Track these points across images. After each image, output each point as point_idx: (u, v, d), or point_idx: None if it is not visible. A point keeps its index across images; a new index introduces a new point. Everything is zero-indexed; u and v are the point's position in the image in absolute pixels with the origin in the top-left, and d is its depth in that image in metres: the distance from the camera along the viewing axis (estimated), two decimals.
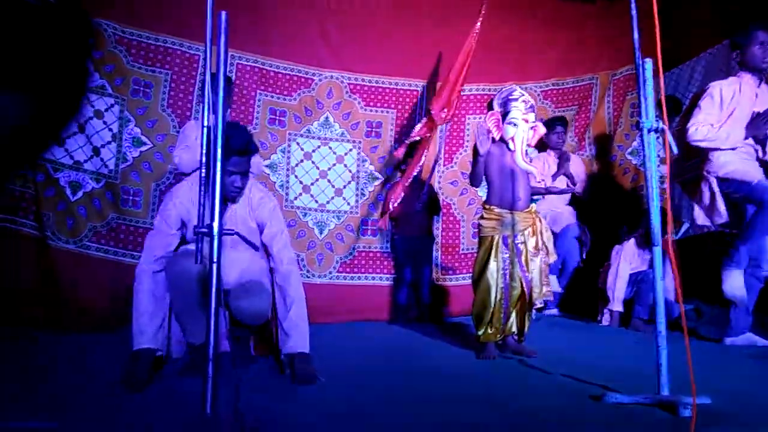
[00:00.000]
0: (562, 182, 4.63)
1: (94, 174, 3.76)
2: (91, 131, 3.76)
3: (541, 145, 4.60)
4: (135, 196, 3.86)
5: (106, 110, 3.82)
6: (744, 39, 3.30)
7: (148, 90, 3.94)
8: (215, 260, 1.64)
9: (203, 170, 1.69)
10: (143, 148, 3.91)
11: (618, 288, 4.05)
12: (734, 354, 3.15)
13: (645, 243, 3.98)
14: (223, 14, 1.66)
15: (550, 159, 4.68)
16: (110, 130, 3.82)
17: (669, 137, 1.80)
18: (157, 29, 3.94)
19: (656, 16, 1.63)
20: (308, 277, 4.18)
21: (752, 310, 3.32)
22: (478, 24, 4.06)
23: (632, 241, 4.18)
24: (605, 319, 4.14)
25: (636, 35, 1.73)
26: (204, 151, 1.76)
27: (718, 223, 3.44)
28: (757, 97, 3.33)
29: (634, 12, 1.73)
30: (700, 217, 3.49)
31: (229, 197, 2.61)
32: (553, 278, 4.30)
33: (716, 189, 3.35)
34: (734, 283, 3.24)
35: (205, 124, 1.71)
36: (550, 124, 4.56)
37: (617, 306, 4.08)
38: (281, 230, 2.75)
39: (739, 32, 3.36)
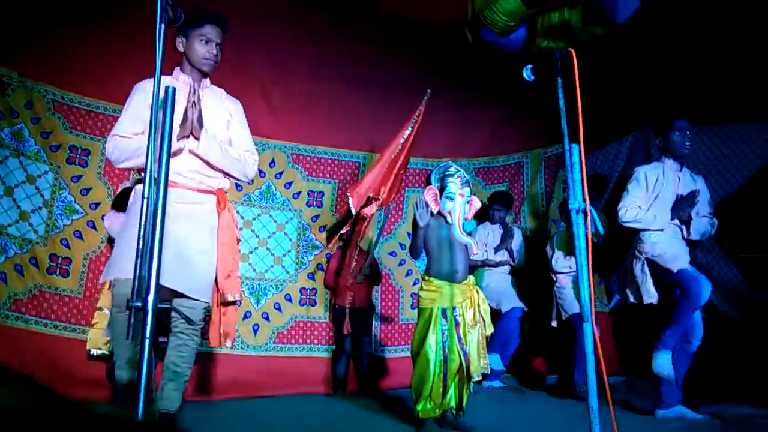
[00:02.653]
0: (502, 255, 4.74)
1: (17, 239, 3.58)
2: (20, 195, 3.61)
3: (484, 215, 4.76)
4: (63, 264, 3.69)
5: (39, 176, 3.70)
6: (665, 127, 3.56)
7: (84, 157, 3.84)
8: (147, 336, 1.58)
9: (140, 242, 1.65)
10: (75, 217, 3.78)
11: None
12: (664, 427, 3.21)
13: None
14: (170, 88, 1.68)
15: (494, 229, 4.82)
16: (42, 196, 3.69)
17: (595, 217, 1.91)
18: (97, 95, 3.89)
19: (579, 107, 1.76)
20: (242, 349, 4.06)
21: (682, 383, 3.42)
22: (422, 108, 4.14)
23: None
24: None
25: (564, 123, 1.86)
26: (143, 220, 1.73)
27: (646, 302, 3.56)
28: (680, 180, 3.56)
29: (561, 103, 1.87)
30: (631, 295, 3.62)
31: (204, 67, 2.53)
32: (495, 357, 4.40)
33: (647, 270, 3.50)
34: (662, 362, 3.34)
35: (146, 195, 1.69)
36: (492, 200, 4.82)
37: None
38: (248, 134, 2.72)
39: (660, 120, 3.62)
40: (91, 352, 3.48)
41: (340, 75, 4.69)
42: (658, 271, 3.46)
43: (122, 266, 2.28)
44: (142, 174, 2.50)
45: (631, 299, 3.63)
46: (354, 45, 4.69)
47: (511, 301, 4.54)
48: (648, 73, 4.74)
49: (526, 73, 2.05)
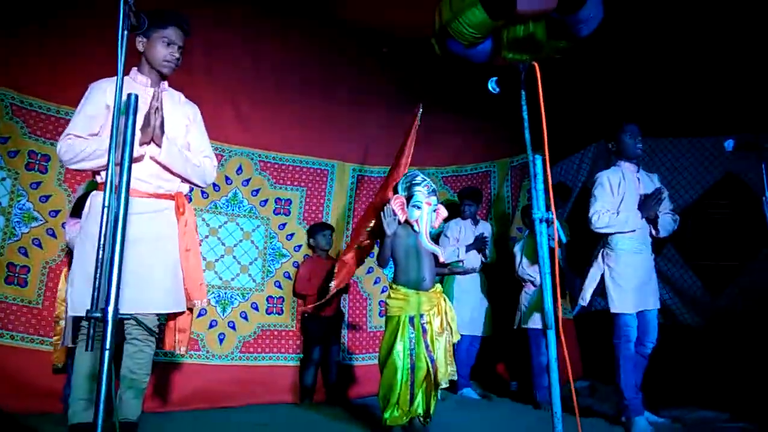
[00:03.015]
0: (474, 259, 4.78)
1: None
2: None
3: (455, 212, 4.81)
4: (21, 273, 3.58)
5: None
6: (617, 131, 3.67)
7: (44, 163, 3.73)
8: (107, 347, 1.54)
9: (100, 253, 1.62)
10: (34, 224, 3.67)
11: None
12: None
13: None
14: (133, 95, 1.65)
15: (466, 225, 4.85)
16: None
17: (558, 227, 1.95)
18: (58, 99, 3.78)
19: (543, 119, 1.80)
20: (208, 359, 4.00)
21: (640, 386, 3.50)
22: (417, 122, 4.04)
23: None
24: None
25: (527, 135, 1.90)
26: (102, 231, 1.69)
27: (604, 307, 3.63)
28: (639, 181, 3.66)
29: (525, 114, 1.91)
30: (588, 298, 3.69)
31: (164, 69, 2.49)
32: (469, 390, 4.54)
33: (608, 278, 3.58)
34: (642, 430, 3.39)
35: (106, 204, 1.65)
36: (462, 196, 4.88)
37: None
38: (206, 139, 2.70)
39: (612, 126, 3.73)
40: (57, 365, 3.38)
41: (308, 82, 4.68)
42: (608, 292, 3.52)
43: (77, 302, 2.23)
44: (97, 178, 2.46)
45: (586, 303, 3.70)
46: (322, 53, 4.70)
47: (462, 327, 4.35)
48: (611, 86, 4.86)
49: (491, 85, 2.09)
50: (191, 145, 2.62)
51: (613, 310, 3.45)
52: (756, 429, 3.25)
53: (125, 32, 1.62)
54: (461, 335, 4.43)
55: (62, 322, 3.23)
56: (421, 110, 4.11)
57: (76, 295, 2.26)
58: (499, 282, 4.87)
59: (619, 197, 3.60)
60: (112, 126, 1.67)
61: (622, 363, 3.39)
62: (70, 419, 2.29)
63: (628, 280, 3.46)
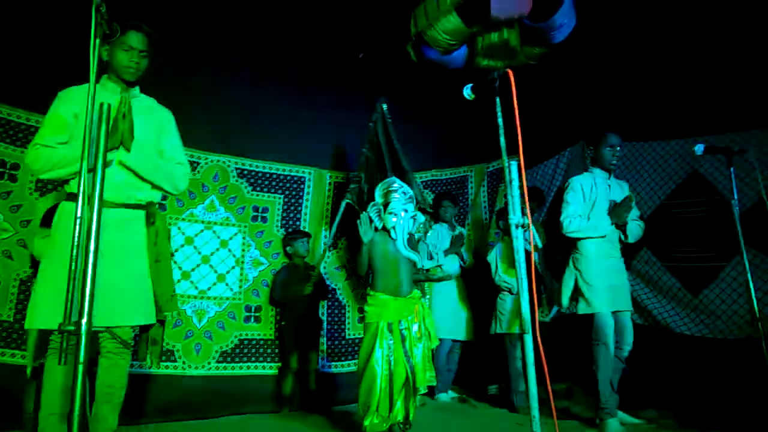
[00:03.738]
0: (452, 263, 4.79)
1: None
2: None
3: (434, 216, 4.84)
4: None
5: None
6: (597, 140, 3.73)
7: (14, 172, 3.66)
8: (81, 361, 1.51)
9: (73, 265, 1.59)
10: (4, 236, 3.58)
11: None
12: None
13: None
14: (106, 105, 1.63)
15: (443, 231, 4.87)
16: None
17: (533, 231, 1.97)
18: (27, 106, 3.70)
19: (518, 125, 1.82)
20: (184, 370, 3.94)
21: (617, 389, 3.54)
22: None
23: None
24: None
25: (503, 141, 1.92)
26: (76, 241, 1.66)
27: (572, 311, 3.68)
28: (609, 188, 3.73)
29: (500, 120, 1.93)
30: (565, 302, 3.74)
31: (126, 75, 2.45)
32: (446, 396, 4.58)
33: (580, 282, 3.62)
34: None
35: (78, 215, 1.63)
36: (439, 199, 4.90)
37: None
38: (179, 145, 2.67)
39: (593, 134, 3.78)
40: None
41: (284, 90, 4.68)
42: (580, 295, 3.57)
43: (43, 314, 2.17)
44: (66, 187, 2.41)
45: (564, 307, 3.74)
46: (298, 60, 4.69)
47: (442, 331, 4.47)
48: (584, 92, 4.93)
49: (466, 92, 2.10)
50: (164, 150, 2.59)
51: (589, 311, 3.50)
52: (728, 426, 3.31)
53: (97, 40, 1.60)
54: (442, 339, 4.47)
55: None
56: (384, 105, 4.20)
57: (42, 307, 2.21)
58: (476, 288, 4.89)
59: (590, 203, 3.66)
60: (84, 135, 1.64)
61: (601, 366, 3.42)
62: None
63: (600, 280, 3.52)
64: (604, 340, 3.45)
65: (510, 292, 4.37)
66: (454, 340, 4.70)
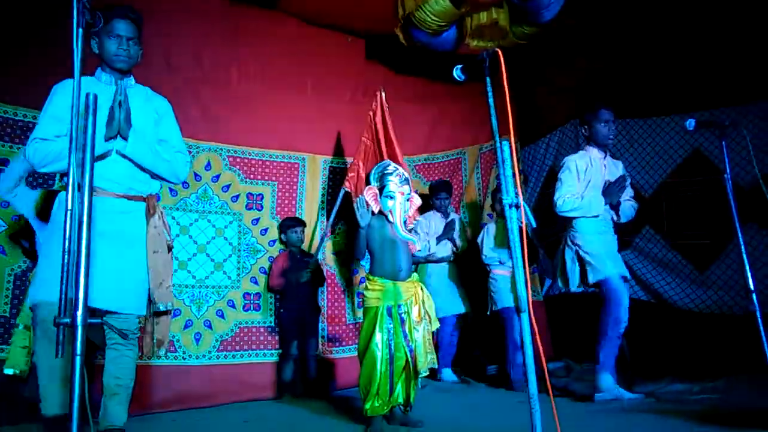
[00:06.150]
0: (444, 247, 4.81)
1: None
2: None
3: (427, 206, 4.83)
4: None
5: None
6: (590, 117, 3.68)
7: (2, 167, 3.63)
8: (78, 353, 1.51)
9: (66, 257, 1.58)
10: None
11: None
12: (602, 410, 3.33)
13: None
14: (91, 95, 1.62)
15: (436, 218, 4.88)
16: None
17: (527, 211, 1.97)
18: (16, 102, 3.65)
19: (509, 105, 1.81)
20: (185, 359, 3.95)
21: (615, 365, 3.56)
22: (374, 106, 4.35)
23: None
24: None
25: (494, 121, 1.91)
26: (68, 233, 1.66)
27: (573, 291, 3.69)
28: (605, 167, 3.71)
29: (491, 101, 1.91)
30: (560, 282, 3.75)
31: (117, 64, 2.45)
32: (448, 371, 4.66)
33: (576, 261, 3.61)
34: (606, 386, 3.45)
35: (69, 207, 1.62)
36: (434, 190, 4.89)
37: None
38: (178, 133, 2.66)
39: (586, 110, 3.74)
40: (6, 371, 3.17)
41: (274, 76, 4.64)
42: (586, 265, 3.58)
43: (46, 287, 2.18)
44: (64, 180, 2.41)
45: (560, 285, 3.76)
46: (288, 46, 4.65)
47: (443, 309, 4.48)
48: (576, 70, 4.90)
49: (457, 73, 2.09)
50: (163, 140, 2.59)
51: (600, 277, 3.48)
52: (723, 398, 3.34)
53: (80, 29, 1.58)
54: (444, 317, 4.49)
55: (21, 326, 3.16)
56: (383, 94, 4.20)
57: (41, 282, 2.24)
58: (471, 269, 4.91)
59: (584, 182, 3.64)
60: (71, 126, 1.63)
61: (605, 343, 3.42)
62: (46, 411, 2.26)
63: (599, 248, 3.54)
64: (615, 318, 3.40)
65: (500, 263, 4.40)
66: (455, 316, 4.73)
